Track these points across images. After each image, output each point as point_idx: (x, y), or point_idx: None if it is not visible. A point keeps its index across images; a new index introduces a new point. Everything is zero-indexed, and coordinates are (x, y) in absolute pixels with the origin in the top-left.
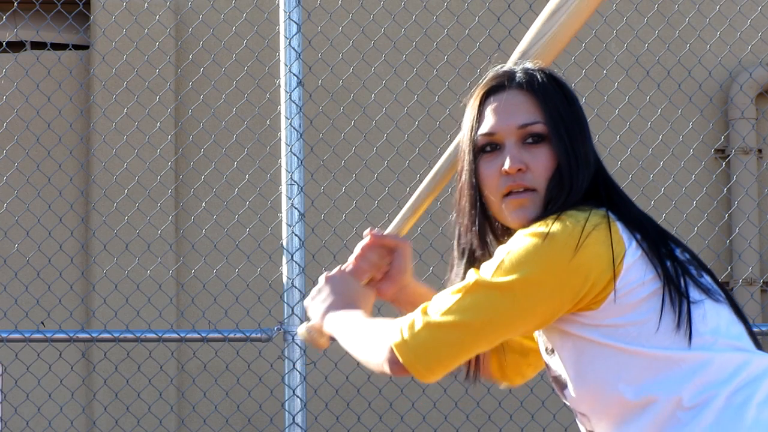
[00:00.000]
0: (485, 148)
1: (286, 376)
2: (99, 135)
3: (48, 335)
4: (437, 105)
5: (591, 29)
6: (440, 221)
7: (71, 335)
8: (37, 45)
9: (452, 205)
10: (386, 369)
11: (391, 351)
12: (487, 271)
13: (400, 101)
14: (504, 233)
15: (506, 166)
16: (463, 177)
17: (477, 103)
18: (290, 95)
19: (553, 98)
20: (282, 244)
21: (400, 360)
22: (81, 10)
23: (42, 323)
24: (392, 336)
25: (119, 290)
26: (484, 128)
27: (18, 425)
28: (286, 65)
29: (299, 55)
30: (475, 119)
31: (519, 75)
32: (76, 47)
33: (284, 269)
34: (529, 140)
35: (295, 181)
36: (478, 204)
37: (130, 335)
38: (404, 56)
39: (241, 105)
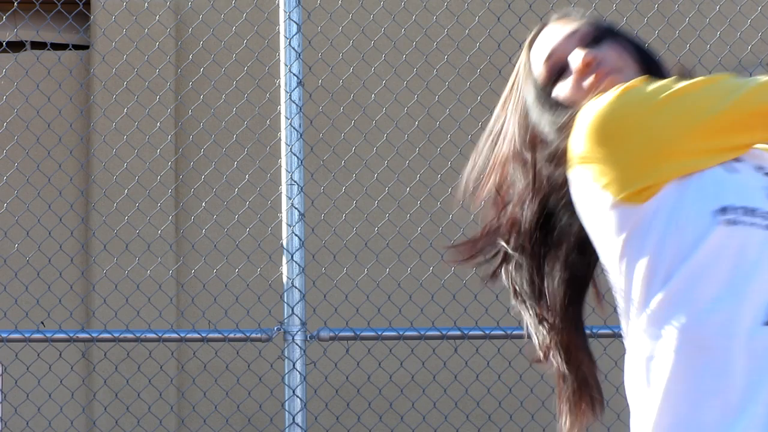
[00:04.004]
0: (552, 79)
1: (286, 376)
2: (99, 135)
3: (48, 335)
4: (437, 105)
5: None
6: (440, 221)
7: (71, 335)
8: (37, 45)
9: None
10: None
11: None
12: None
13: (400, 101)
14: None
15: (575, 64)
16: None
17: (525, 59)
18: (290, 95)
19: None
20: (282, 244)
21: None
22: (81, 10)
23: (42, 323)
24: None
25: (119, 290)
26: (541, 59)
27: (18, 425)
28: (286, 65)
29: (299, 55)
30: (528, 66)
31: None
32: (76, 47)
33: (284, 269)
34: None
35: (295, 181)
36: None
37: (130, 335)
38: (404, 56)
39: (241, 105)
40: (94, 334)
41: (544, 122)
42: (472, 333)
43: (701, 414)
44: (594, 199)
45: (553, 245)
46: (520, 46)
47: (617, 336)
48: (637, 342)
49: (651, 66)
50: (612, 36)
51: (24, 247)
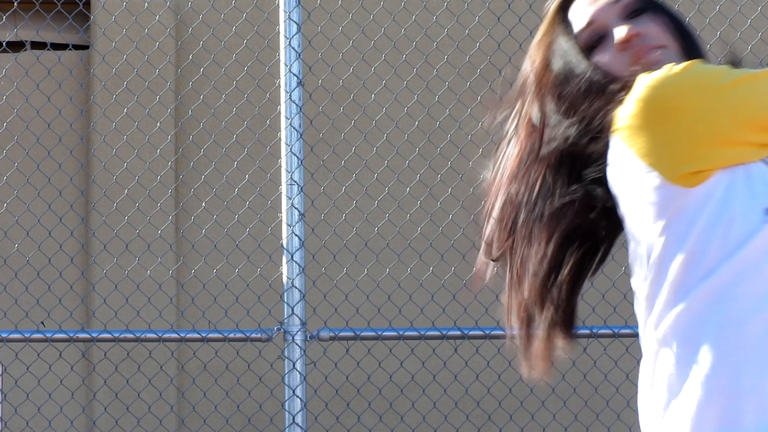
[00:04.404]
0: (590, 45)
1: (286, 376)
2: (99, 135)
3: (48, 335)
4: (437, 105)
5: None
6: (440, 221)
7: (71, 335)
8: (37, 45)
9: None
10: None
11: None
12: None
13: (400, 101)
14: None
15: (618, 37)
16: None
17: (555, 18)
18: (290, 95)
19: None
20: (282, 244)
21: None
22: (81, 10)
23: (42, 323)
24: None
25: (119, 290)
26: (581, 23)
27: (18, 425)
28: (286, 65)
29: (299, 55)
30: (561, 28)
31: None
32: (76, 47)
33: (284, 269)
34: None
35: (295, 181)
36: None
37: (130, 335)
38: (404, 56)
39: (241, 105)
40: (94, 334)
41: (575, 89)
42: (472, 333)
43: (737, 414)
44: (636, 177)
45: (557, 212)
46: (521, 46)
47: (618, 336)
48: (663, 334)
49: (690, 44)
50: (654, 9)
51: (24, 247)
